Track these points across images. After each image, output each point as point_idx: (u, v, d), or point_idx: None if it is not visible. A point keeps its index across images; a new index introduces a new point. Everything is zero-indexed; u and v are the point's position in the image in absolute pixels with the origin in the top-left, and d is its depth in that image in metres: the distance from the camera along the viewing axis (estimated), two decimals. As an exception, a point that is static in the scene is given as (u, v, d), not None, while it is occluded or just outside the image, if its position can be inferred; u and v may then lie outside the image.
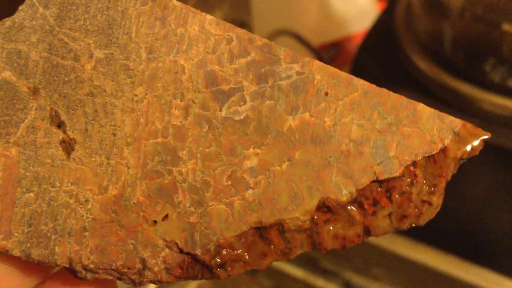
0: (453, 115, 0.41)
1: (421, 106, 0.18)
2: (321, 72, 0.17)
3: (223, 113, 0.17)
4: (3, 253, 0.16)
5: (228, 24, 0.18)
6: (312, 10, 0.60)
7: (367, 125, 0.17)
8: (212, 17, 0.17)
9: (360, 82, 0.18)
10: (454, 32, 0.41)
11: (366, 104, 0.17)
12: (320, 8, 0.60)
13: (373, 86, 0.18)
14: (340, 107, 0.17)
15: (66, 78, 0.17)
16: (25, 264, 0.17)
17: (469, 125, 0.18)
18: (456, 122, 0.18)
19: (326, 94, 0.17)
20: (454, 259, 0.40)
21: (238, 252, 0.17)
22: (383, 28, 0.47)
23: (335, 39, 0.60)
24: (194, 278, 0.17)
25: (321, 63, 0.18)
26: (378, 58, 0.45)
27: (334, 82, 0.17)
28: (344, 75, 0.18)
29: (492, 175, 0.41)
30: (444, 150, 0.17)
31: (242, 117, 0.17)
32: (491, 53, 0.40)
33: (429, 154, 0.17)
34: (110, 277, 0.17)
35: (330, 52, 0.60)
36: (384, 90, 0.18)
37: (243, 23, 0.49)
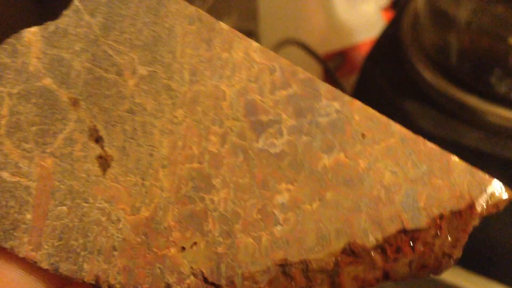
0: (458, 126, 0.41)
1: (454, 159, 0.18)
2: (360, 113, 0.18)
3: (260, 144, 0.17)
4: (23, 260, 0.16)
5: (272, 53, 0.17)
6: (318, 20, 0.60)
7: (400, 173, 0.17)
8: (258, 44, 0.17)
9: (397, 128, 0.18)
10: (461, 44, 0.42)
11: (402, 151, 0.17)
12: (326, 17, 0.60)
13: (410, 133, 0.18)
14: (375, 151, 0.17)
15: (108, 92, 0.17)
16: (42, 272, 0.17)
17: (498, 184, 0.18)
18: (486, 180, 0.18)
19: (363, 136, 0.17)
20: (462, 270, 0.40)
21: (260, 286, 0.17)
22: (390, 39, 0.47)
23: (340, 48, 0.60)
24: None
25: (361, 104, 0.18)
26: (385, 68, 0.46)
27: (372, 125, 0.18)
28: (383, 118, 0.18)
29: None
30: (471, 207, 0.17)
31: (277, 151, 0.17)
32: (497, 65, 0.40)
33: (457, 209, 0.17)
34: None
35: (336, 61, 0.60)
36: (420, 138, 0.18)
37: (251, 32, 0.50)
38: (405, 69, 0.44)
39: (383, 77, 0.45)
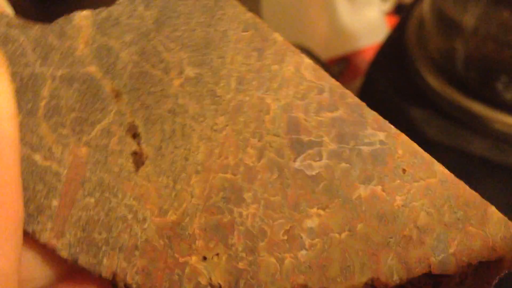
0: (465, 134, 0.40)
1: (492, 209, 0.17)
2: (404, 148, 0.17)
3: (297, 164, 0.17)
4: (32, 240, 0.16)
5: (324, 72, 0.17)
6: (321, 25, 0.59)
7: (435, 215, 0.17)
8: (310, 61, 0.17)
9: (440, 169, 0.17)
10: (467, 51, 0.41)
11: (440, 193, 0.17)
12: (329, 22, 0.60)
13: (452, 176, 0.17)
14: (414, 189, 0.17)
15: (152, 89, 0.16)
16: (51, 256, 0.16)
17: None
18: None
19: (404, 171, 0.17)
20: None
21: None
22: (394, 44, 0.46)
23: (344, 53, 0.60)
24: None
25: (406, 138, 0.17)
26: (389, 74, 0.45)
27: (415, 161, 0.17)
28: (426, 156, 0.17)
29: (506, 196, 0.41)
30: (501, 260, 0.17)
31: (314, 173, 0.17)
32: (504, 72, 0.40)
33: (486, 260, 0.17)
34: None
35: (339, 66, 0.59)
36: (461, 183, 0.17)
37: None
38: (410, 75, 0.44)
39: (388, 83, 0.45)
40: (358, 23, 0.62)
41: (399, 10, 0.69)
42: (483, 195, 0.38)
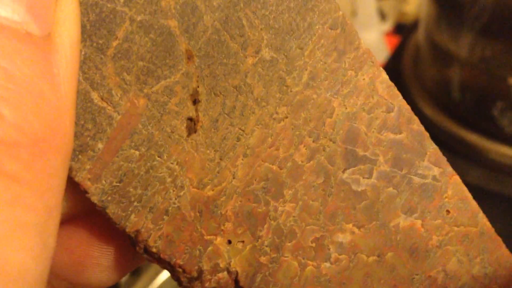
0: (461, 164, 0.40)
1: None
2: (455, 189, 0.17)
3: (345, 176, 0.16)
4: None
5: (397, 92, 0.17)
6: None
7: (465, 265, 0.17)
8: (387, 77, 0.17)
9: (483, 220, 0.17)
10: (461, 82, 0.42)
11: (477, 245, 0.17)
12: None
13: (492, 230, 0.17)
14: (453, 233, 0.17)
15: (225, 61, 0.16)
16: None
17: None
18: None
19: (448, 213, 0.17)
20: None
21: None
22: (391, 74, 0.47)
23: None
24: None
25: (459, 180, 0.17)
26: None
27: (461, 206, 0.17)
28: (474, 204, 0.17)
29: (503, 225, 0.41)
30: None
31: (359, 189, 0.16)
32: (498, 103, 0.40)
33: None
34: (161, 267, 0.16)
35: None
36: (499, 240, 0.17)
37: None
38: (406, 104, 0.44)
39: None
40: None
41: (399, 30, 0.70)
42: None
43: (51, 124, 0.11)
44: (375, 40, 0.64)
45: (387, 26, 0.69)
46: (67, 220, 0.16)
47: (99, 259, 0.17)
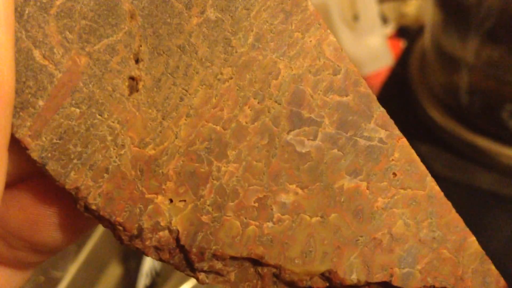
0: (471, 168, 0.40)
1: (472, 239, 0.17)
2: (402, 152, 0.17)
3: (289, 137, 0.16)
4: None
5: (345, 54, 0.16)
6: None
7: (412, 228, 0.17)
8: (335, 40, 0.16)
9: (431, 184, 0.17)
10: (469, 87, 0.42)
11: (424, 208, 0.17)
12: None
13: (441, 194, 0.17)
14: (399, 195, 0.17)
15: (169, 20, 0.16)
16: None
17: (502, 282, 0.17)
18: (492, 273, 0.17)
19: (394, 175, 0.17)
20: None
21: (227, 269, 0.17)
22: (397, 79, 0.47)
23: (348, 81, 0.61)
24: (175, 267, 0.17)
25: (407, 144, 0.17)
26: (394, 110, 0.46)
27: (408, 169, 0.17)
28: (422, 168, 0.17)
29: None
30: None
31: (303, 151, 0.16)
32: (507, 106, 0.40)
33: (450, 287, 0.17)
34: (103, 225, 0.17)
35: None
36: (449, 204, 0.17)
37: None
38: (414, 110, 0.44)
39: (393, 119, 0.45)
40: (361, 51, 0.62)
41: (401, 33, 0.70)
42: (491, 227, 0.39)
43: None
44: (379, 44, 0.64)
45: (389, 29, 0.69)
46: (20, 180, 0.17)
47: (50, 218, 0.17)
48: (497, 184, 0.40)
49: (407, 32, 0.70)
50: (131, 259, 0.48)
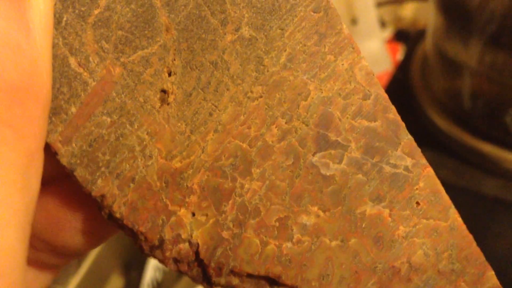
0: (476, 174, 0.40)
1: (491, 274, 0.17)
2: (427, 182, 0.17)
3: (315, 159, 0.16)
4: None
5: (376, 80, 0.16)
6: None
7: (432, 258, 0.17)
8: (367, 64, 0.16)
9: (454, 216, 0.17)
10: (472, 91, 0.42)
11: (445, 239, 0.17)
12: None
13: (463, 227, 0.17)
14: (421, 225, 0.17)
15: (203, 36, 0.16)
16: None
17: None
18: None
19: (418, 204, 0.17)
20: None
21: (244, 286, 0.17)
22: (399, 85, 0.47)
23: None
24: (192, 280, 0.17)
25: (433, 173, 0.17)
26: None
27: (432, 199, 0.17)
28: (446, 199, 0.17)
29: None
30: None
31: (328, 174, 0.16)
32: (510, 111, 0.40)
33: None
34: (125, 234, 0.17)
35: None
36: (470, 237, 0.17)
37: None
38: (416, 115, 0.44)
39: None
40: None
41: (399, 37, 0.70)
42: (496, 233, 0.39)
43: (28, 74, 0.12)
44: (378, 48, 0.63)
45: (387, 33, 0.69)
46: (45, 183, 0.17)
47: (73, 222, 0.17)
48: (502, 189, 0.40)
49: (404, 36, 0.70)
50: (132, 271, 0.47)
